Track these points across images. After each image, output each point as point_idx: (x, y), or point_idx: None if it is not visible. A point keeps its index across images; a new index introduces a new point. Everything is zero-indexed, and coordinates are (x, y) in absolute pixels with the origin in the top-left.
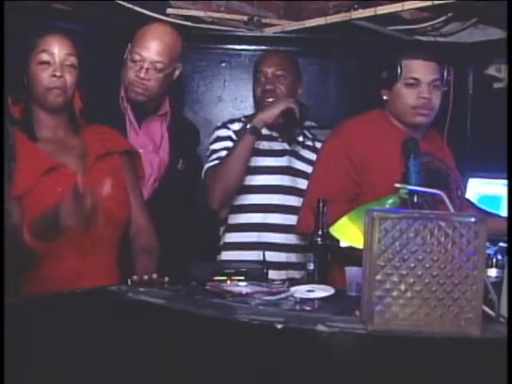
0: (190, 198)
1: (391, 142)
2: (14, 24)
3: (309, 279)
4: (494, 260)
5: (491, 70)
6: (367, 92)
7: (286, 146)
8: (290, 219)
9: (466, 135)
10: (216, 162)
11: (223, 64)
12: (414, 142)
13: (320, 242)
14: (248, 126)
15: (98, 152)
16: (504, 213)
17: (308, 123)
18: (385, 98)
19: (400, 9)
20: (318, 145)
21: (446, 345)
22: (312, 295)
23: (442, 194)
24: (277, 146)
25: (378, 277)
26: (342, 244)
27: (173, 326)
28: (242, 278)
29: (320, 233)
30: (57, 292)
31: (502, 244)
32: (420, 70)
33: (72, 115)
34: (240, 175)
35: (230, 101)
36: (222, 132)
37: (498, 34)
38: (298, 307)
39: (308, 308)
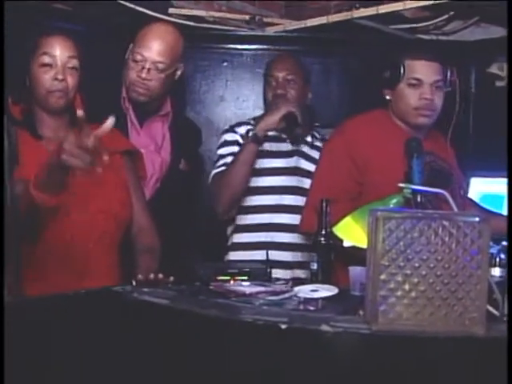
0: (191, 198)
1: (394, 142)
2: (15, 24)
3: (312, 279)
4: (498, 259)
5: (493, 69)
6: (369, 91)
7: (294, 146)
8: (298, 219)
9: (469, 134)
10: (222, 168)
11: (225, 63)
12: (417, 142)
13: (323, 242)
14: (250, 134)
15: None
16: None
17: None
18: (387, 97)
19: (402, 7)
20: None
21: (450, 344)
22: (315, 295)
23: (446, 193)
24: (285, 147)
25: (383, 276)
26: (346, 244)
27: (177, 327)
28: (246, 277)
29: (323, 232)
30: (61, 293)
31: (504, 243)
32: (422, 70)
33: (73, 116)
34: (244, 181)
35: (232, 100)
36: (229, 136)
37: (499, 32)
38: (301, 307)
39: (312, 308)
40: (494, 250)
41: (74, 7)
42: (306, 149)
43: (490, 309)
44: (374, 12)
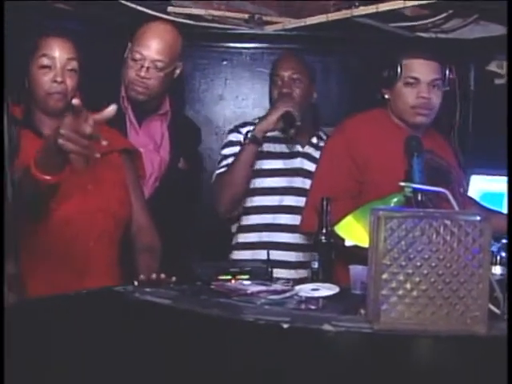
0: (191, 197)
1: (393, 141)
2: (14, 24)
3: (313, 278)
4: (498, 257)
5: (492, 67)
6: (369, 89)
7: (298, 148)
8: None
9: (468, 132)
10: (224, 169)
11: (224, 62)
12: (417, 141)
13: (324, 241)
14: (249, 135)
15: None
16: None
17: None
18: (386, 96)
19: (401, 6)
20: None
21: (452, 343)
22: (316, 294)
23: (447, 192)
24: (289, 148)
25: (384, 276)
26: (347, 243)
27: (179, 326)
28: (247, 277)
29: (324, 231)
30: (62, 293)
31: (504, 241)
32: (420, 69)
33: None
34: (245, 182)
35: (232, 99)
36: (234, 137)
37: (499, 30)
38: (302, 306)
39: (313, 307)
40: (494, 248)
41: (74, 7)
42: (310, 150)
43: (491, 307)
44: (374, 10)
